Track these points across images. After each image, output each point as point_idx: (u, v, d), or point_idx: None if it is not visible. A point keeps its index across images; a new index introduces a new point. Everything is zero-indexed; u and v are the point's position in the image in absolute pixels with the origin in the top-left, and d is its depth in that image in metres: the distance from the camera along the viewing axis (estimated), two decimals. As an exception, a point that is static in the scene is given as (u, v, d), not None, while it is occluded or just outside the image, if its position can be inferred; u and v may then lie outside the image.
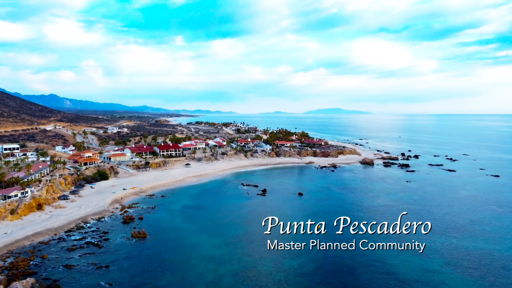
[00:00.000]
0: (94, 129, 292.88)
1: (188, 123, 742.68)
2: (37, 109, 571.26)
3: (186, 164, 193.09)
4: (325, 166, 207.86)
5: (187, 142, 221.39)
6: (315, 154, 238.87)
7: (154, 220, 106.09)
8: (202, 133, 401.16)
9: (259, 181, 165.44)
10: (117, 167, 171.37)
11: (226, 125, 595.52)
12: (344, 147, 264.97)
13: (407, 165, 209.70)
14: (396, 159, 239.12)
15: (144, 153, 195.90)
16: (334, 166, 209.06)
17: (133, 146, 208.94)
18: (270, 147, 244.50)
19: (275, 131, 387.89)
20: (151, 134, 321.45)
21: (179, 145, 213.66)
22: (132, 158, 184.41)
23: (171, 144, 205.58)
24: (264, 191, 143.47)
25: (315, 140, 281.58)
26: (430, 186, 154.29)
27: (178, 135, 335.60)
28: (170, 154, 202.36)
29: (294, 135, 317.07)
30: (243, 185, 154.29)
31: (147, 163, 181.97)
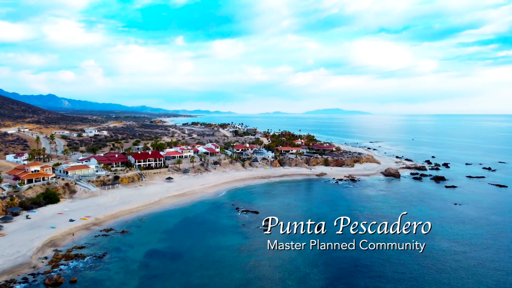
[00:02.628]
0: (66, 132, 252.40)
1: (184, 124, 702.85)
2: (19, 109, 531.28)
3: (167, 178, 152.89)
4: (341, 179, 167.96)
5: (171, 149, 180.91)
6: (326, 163, 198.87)
7: (94, 286, 66.07)
8: (195, 135, 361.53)
9: (260, 203, 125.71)
10: (75, 184, 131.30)
11: (223, 126, 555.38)
12: (360, 153, 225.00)
13: (442, 178, 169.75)
14: (424, 168, 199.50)
15: (115, 163, 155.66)
16: (353, 179, 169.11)
17: (102, 154, 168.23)
18: (273, 154, 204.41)
19: (277, 134, 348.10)
20: (136, 137, 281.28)
21: (161, 153, 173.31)
22: (97, 171, 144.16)
23: (150, 152, 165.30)
24: (268, 221, 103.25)
25: (324, 145, 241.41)
26: (491, 212, 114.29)
27: (167, 139, 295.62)
28: (149, 165, 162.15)
29: (299, 139, 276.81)
30: (239, 211, 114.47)
31: (116, 178, 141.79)
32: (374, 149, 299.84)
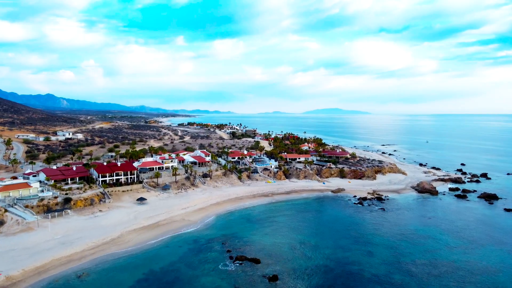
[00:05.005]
0: (31, 136, 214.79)
1: (179, 124, 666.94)
2: (0, 109, 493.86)
3: (139, 199, 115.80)
4: (364, 198, 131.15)
5: (149, 159, 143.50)
6: (342, 175, 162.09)
7: None
8: (188, 138, 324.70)
9: (261, 240, 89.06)
10: (5, 211, 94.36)
11: (220, 127, 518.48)
12: (380, 161, 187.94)
13: (494, 196, 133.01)
14: (461, 181, 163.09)
15: (71, 179, 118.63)
16: (379, 197, 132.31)
17: (61, 165, 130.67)
18: (276, 163, 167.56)
19: (279, 136, 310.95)
20: (119, 141, 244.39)
21: (135, 164, 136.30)
22: (42, 191, 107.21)
23: (119, 164, 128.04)
24: (274, 280, 67.06)
25: (337, 151, 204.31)
26: None
27: (154, 143, 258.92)
28: (117, 180, 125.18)
29: (305, 143, 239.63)
30: (231, 257, 77.73)
31: (67, 201, 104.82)
32: (390, 154, 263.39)
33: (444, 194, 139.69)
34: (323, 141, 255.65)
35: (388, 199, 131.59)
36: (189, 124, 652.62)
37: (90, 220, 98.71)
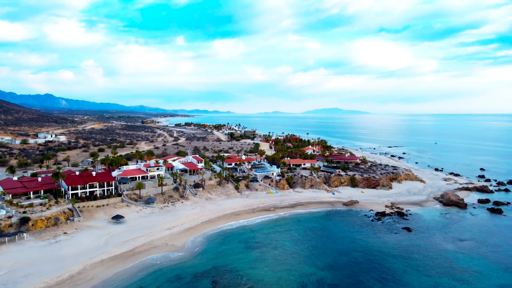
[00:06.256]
0: (7, 139, 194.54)
1: (176, 125, 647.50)
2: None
3: (115, 217, 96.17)
4: (383, 213, 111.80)
5: (131, 167, 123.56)
6: (354, 183, 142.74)
7: None
8: (183, 139, 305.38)
9: (261, 275, 69.97)
10: None
11: (218, 127, 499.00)
12: (395, 167, 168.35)
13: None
14: (487, 190, 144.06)
15: (34, 193, 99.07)
16: (400, 212, 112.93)
17: (27, 175, 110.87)
18: (278, 170, 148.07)
19: (280, 138, 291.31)
20: (109, 143, 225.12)
21: (115, 172, 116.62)
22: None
23: (94, 173, 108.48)
24: None
25: (346, 155, 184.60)
26: None
27: (144, 145, 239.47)
28: (91, 192, 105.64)
29: (310, 146, 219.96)
30: (223, 305, 58.32)
31: (24, 221, 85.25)
32: (400, 158, 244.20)
33: (474, 208, 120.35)
34: (327, 143, 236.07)
35: (410, 214, 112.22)
36: (187, 124, 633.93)
37: (49, 247, 79.17)
